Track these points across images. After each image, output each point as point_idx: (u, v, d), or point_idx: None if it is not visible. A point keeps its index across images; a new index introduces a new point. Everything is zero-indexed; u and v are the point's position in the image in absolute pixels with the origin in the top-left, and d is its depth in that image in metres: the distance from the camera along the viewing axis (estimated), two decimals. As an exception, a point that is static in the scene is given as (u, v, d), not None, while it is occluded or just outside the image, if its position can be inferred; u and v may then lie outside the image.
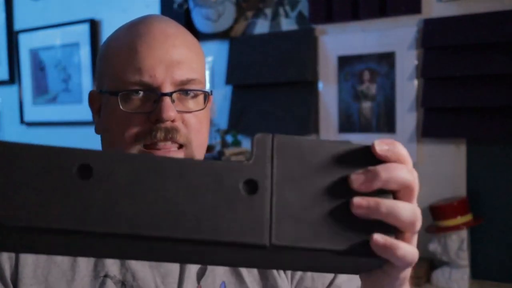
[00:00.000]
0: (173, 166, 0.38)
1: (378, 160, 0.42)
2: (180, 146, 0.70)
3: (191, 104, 0.72)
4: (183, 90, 0.70)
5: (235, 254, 0.39)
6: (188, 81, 0.71)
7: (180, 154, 0.70)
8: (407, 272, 0.46)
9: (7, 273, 0.67)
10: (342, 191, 0.40)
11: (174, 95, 0.70)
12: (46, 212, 0.35)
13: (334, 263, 0.42)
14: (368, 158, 0.41)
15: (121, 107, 0.69)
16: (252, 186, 0.39)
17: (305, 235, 0.38)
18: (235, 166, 0.39)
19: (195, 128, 0.71)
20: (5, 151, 0.36)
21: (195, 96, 0.72)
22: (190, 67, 0.71)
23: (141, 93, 0.69)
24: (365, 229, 0.40)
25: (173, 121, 0.69)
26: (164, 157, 0.37)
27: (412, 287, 1.73)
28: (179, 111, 0.70)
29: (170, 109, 0.68)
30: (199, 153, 0.72)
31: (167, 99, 0.68)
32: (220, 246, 0.38)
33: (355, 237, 0.39)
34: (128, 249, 0.39)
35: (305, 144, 0.41)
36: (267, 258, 0.40)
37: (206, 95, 0.74)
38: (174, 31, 0.73)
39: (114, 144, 0.71)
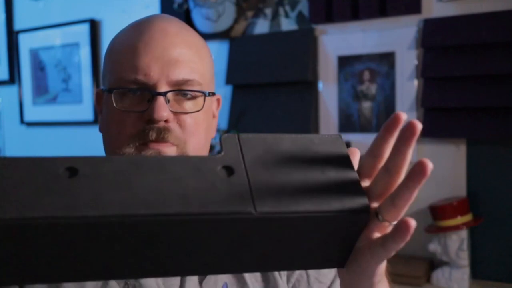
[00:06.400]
0: (152, 162, 0.41)
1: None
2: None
3: (189, 105, 0.70)
4: (179, 90, 0.69)
5: (225, 230, 0.41)
6: (185, 82, 0.69)
7: (172, 151, 0.68)
8: (383, 266, 0.46)
9: None
10: (315, 166, 0.44)
11: (170, 95, 0.68)
12: (36, 205, 0.37)
13: (319, 233, 0.43)
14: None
15: (114, 104, 0.68)
16: (228, 170, 0.42)
17: (286, 201, 0.41)
18: (210, 158, 0.42)
19: (190, 129, 0.69)
20: None
21: (193, 97, 0.71)
22: (188, 67, 0.69)
23: (137, 91, 0.68)
24: (339, 194, 0.42)
25: (166, 121, 0.67)
26: (143, 156, 0.39)
27: (411, 287, 1.72)
28: (174, 112, 0.68)
29: (162, 109, 0.66)
30: (195, 154, 0.70)
31: (160, 99, 0.67)
32: (209, 222, 0.39)
33: (340, 198, 0.42)
34: (121, 245, 0.39)
35: (268, 138, 0.45)
36: (256, 229, 0.41)
37: (206, 97, 0.72)
38: (176, 30, 0.71)
39: (111, 143, 0.70)
